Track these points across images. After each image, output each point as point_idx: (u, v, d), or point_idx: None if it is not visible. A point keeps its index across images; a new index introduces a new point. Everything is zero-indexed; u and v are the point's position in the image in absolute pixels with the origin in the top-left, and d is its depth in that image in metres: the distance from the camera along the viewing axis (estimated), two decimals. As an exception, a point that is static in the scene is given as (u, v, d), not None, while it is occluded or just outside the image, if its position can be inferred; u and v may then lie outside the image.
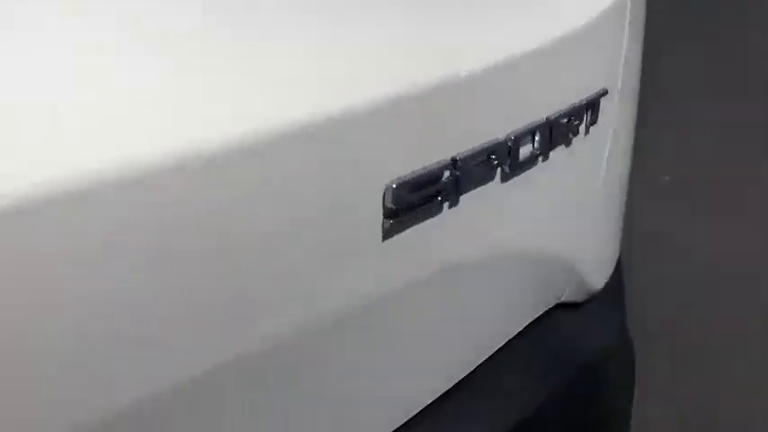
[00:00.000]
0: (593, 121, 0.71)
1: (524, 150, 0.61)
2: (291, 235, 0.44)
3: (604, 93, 0.72)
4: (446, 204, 0.54)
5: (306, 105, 0.44)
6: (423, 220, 0.53)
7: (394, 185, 0.49)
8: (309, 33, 0.48)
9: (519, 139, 0.59)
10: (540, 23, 0.64)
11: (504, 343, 0.71)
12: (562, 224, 0.74)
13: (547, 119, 0.63)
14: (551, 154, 0.66)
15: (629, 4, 0.75)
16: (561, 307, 0.85)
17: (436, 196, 0.52)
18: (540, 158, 0.65)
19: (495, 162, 0.57)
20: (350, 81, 0.47)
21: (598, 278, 0.92)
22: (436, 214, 0.54)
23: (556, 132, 0.64)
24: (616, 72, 0.76)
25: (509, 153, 0.58)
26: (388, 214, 0.49)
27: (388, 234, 0.50)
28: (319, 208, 0.45)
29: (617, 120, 0.78)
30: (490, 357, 0.70)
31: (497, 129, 0.58)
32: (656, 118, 3.13)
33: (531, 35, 0.61)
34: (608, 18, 0.70)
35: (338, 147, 0.45)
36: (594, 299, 0.94)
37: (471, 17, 0.60)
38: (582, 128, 0.69)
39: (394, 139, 0.49)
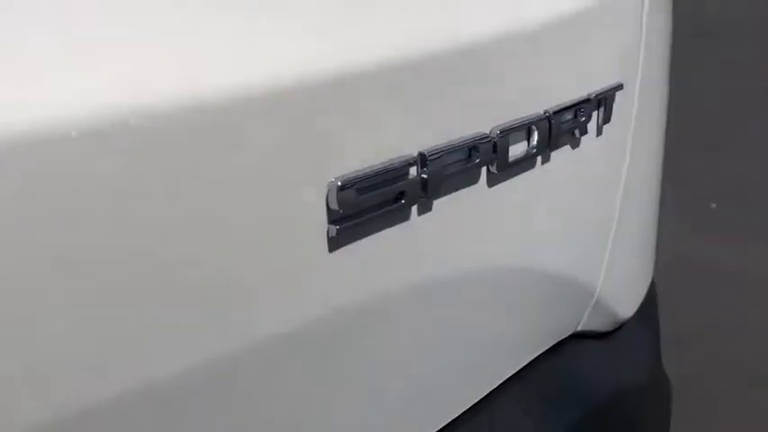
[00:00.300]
0: (607, 120, 0.61)
1: (517, 149, 0.52)
2: (205, 244, 0.35)
3: (619, 87, 0.62)
4: (414, 209, 0.45)
5: (221, 76, 0.35)
6: (383, 228, 0.44)
7: (339, 183, 0.39)
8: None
9: (507, 135, 0.49)
10: (535, 4, 0.54)
11: (504, 379, 0.60)
12: (572, 240, 0.64)
13: (545, 113, 0.53)
14: (553, 155, 0.56)
15: (646, -13, 0.65)
16: (581, 337, 0.74)
17: (398, 199, 0.43)
18: (540, 159, 0.55)
19: (478, 161, 0.48)
20: (294, 49, 0.39)
21: (625, 306, 0.81)
22: (401, 221, 0.45)
23: (556, 130, 0.54)
24: (634, 65, 0.66)
25: (495, 150, 0.49)
26: (334, 219, 0.40)
27: (335, 244, 0.41)
28: (242, 208, 0.36)
29: (638, 120, 0.68)
30: (489, 396, 0.59)
31: (481, 122, 0.48)
32: (703, 140, 2.99)
33: (525, 14, 0.52)
34: (616, 3, 0.61)
35: (265, 130, 0.36)
36: (622, 329, 0.83)
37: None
38: (592, 126, 0.60)
39: (342, 127, 0.40)
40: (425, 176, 0.44)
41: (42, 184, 0.29)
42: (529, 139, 0.53)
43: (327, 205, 0.40)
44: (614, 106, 0.62)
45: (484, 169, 0.49)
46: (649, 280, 0.91)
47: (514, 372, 0.61)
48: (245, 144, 0.36)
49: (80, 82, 0.31)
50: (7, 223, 0.29)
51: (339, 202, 0.40)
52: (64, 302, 0.31)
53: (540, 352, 0.65)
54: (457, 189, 0.48)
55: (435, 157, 0.44)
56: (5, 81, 0.29)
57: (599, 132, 0.61)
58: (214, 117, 0.34)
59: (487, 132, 0.48)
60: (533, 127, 0.52)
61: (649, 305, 0.90)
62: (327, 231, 0.40)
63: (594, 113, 0.60)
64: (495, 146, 0.49)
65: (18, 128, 0.29)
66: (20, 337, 0.30)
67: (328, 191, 0.40)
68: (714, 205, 2.85)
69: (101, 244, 0.31)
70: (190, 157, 0.34)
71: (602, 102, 0.60)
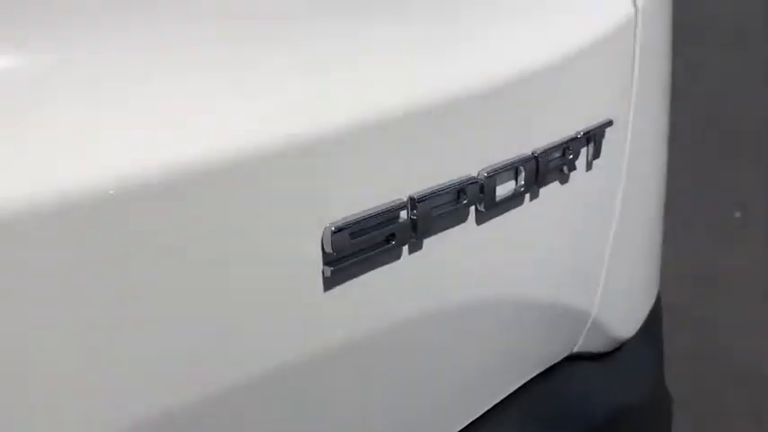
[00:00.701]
0: (596, 155, 0.65)
1: (505, 188, 0.56)
2: (204, 284, 0.39)
3: (608, 123, 0.65)
4: (404, 249, 0.49)
5: (222, 135, 0.39)
6: (375, 267, 0.48)
7: (333, 228, 0.44)
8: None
9: (494, 176, 0.53)
10: (522, 48, 0.58)
11: (495, 403, 0.64)
12: (564, 268, 0.67)
13: (533, 153, 0.57)
14: (542, 191, 0.59)
15: (638, 24, 0.68)
16: (578, 359, 0.77)
17: (389, 240, 0.47)
18: (528, 196, 0.58)
19: (466, 201, 0.52)
20: (292, 105, 0.43)
21: (624, 327, 0.84)
22: (393, 260, 0.49)
23: (543, 168, 0.57)
24: (625, 101, 0.69)
25: (482, 191, 0.52)
26: (329, 261, 0.44)
27: (330, 284, 0.45)
28: (243, 252, 0.41)
29: (631, 154, 0.71)
30: (483, 418, 0.63)
31: (470, 164, 0.52)
32: (725, 148, 2.97)
33: (511, 61, 0.56)
34: (606, 42, 0.64)
35: (263, 180, 0.41)
36: (622, 348, 0.86)
37: (449, 35, 0.54)
38: (581, 162, 0.63)
39: (337, 175, 0.44)
40: (415, 218, 0.48)
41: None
42: (516, 178, 0.56)
43: (322, 248, 0.44)
44: (604, 141, 0.65)
45: (472, 208, 0.53)
46: (652, 300, 0.94)
47: (506, 395, 0.64)
48: (245, 193, 0.40)
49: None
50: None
51: (333, 245, 0.44)
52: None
53: (534, 374, 0.68)
54: (446, 228, 0.52)
55: (424, 200, 0.48)
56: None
57: (588, 167, 0.64)
58: (217, 171, 0.39)
59: (475, 175, 0.52)
60: (521, 167, 0.56)
61: (652, 324, 0.93)
62: (322, 272, 0.44)
63: (583, 150, 0.63)
64: (482, 187, 0.52)
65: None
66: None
67: (323, 235, 0.44)
68: (738, 214, 2.83)
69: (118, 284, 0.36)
70: (195, 206, 0.38)
71: (591, 138, 0.63)
